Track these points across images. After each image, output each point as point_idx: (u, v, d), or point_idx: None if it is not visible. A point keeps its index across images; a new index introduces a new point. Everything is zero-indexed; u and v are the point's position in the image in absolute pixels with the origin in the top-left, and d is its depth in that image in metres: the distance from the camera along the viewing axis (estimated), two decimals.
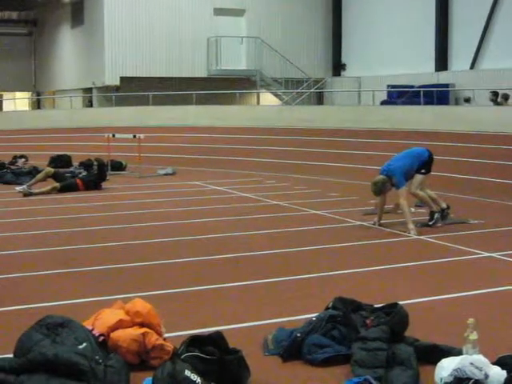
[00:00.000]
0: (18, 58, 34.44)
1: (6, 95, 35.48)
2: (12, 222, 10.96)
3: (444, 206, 10.34)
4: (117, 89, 26.87)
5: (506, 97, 20.86)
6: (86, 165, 15.84)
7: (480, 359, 4.27)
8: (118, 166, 17.87)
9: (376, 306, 5.38)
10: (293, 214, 11.48)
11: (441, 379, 4.27)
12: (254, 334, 5.37)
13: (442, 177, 13.77)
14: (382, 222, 10.16)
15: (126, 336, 4.72)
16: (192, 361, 4.32)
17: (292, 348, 4.91)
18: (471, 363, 4.23)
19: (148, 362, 4.71)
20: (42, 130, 24.01)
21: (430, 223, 10.07)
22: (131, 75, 26.97)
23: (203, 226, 10.34)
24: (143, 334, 4.72)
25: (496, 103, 21.15)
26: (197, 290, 6.75)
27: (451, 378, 4.22)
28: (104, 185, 14.93)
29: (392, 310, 5.10)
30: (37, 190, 13.99)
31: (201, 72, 27.86)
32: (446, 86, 24.29)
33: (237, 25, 28.39)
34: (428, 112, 20.20)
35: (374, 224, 10.16)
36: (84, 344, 4.39)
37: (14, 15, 34.56)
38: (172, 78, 27.48)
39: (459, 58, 25.05)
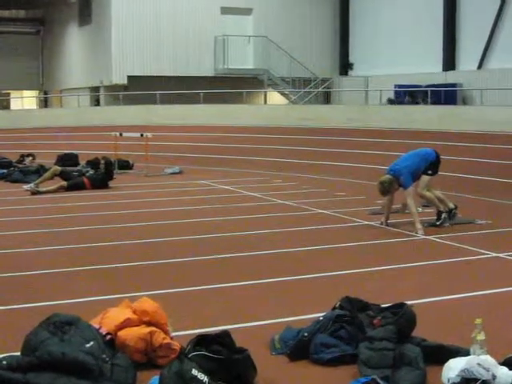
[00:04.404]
0: (26, 57, 34.43)
1: (14, 94, 35.52)
2: (19, 220, 10.98)
3: (451, 206, 10.32)
4: (125, 88, 26.90)
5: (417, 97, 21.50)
6: (94, 163, 15.87)
7: (487, 360, 4.26)
8: (125, 165, 17.89)
9: (383, 305, 5.37)
10: (300, 213, 11.47)
11: (448, 380, 4.26)
12: (260, 333, 5.36)
13: (449, 177, 13.73)
14: (389, 221, 10.15)
15: (133, 335, 4.72)
16: (199, 360, 4.32)
17: (299, 347, 4.90)
18: (479, 364, 4.22)
19: (155, 361, 4.71)
20: (49, 129, 24.07)
21: (438, 223, 10.05)
22: (139, 74, 26.99)
23: (210, 225, 10.33)
24: (150, 333, 4.73)
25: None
26: (204, 288, 6.75)
27: (458, 379, 4.21)
28: (111, 183, 14.95)
29: (399, 309, 5.09)
30: (44, 189, 14.02)
31: (208, 71, 27.87)
32: (454, 85, 24.26)
33: (244, 24, 28.38)
34: (434, 112, 20.16)
35: (381, 224, 10.14)
36: (91, 342, 4.40)
37: (22, 14, 34.62)
38: (179, 76, 27.48)
39: (467, 57, 25.00)
